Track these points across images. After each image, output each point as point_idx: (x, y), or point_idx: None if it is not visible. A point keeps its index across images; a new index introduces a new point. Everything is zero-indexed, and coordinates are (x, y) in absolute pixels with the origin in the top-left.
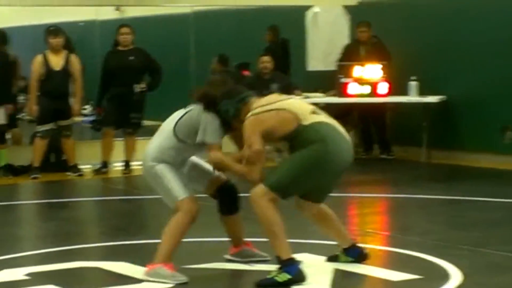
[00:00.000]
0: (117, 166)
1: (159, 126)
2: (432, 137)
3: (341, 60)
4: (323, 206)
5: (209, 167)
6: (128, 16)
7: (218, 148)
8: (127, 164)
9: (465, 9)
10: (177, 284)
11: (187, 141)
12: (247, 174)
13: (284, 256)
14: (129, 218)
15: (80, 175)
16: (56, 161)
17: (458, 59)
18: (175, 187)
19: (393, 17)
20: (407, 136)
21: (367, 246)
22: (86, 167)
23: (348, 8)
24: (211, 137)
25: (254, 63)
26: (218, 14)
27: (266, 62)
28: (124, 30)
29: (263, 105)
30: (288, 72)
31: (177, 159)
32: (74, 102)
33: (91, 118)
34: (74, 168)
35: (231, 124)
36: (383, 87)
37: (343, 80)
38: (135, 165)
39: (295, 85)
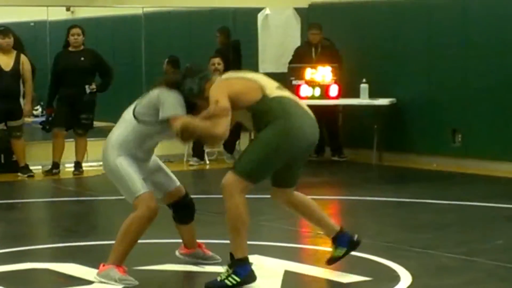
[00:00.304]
0: (68, 167)
1: (110, 127)
2: (383, 139)
3: (292, 62)
4: (300, 194)
5: (173, 177)
6: (79, 16)
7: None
8: (78, 165)
9: (415, 12)
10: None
11: (147, 119)
12: (212, 128)
13: (239, 255)
14: (79, 220)
15: (31, 176)
16: (6, 162)
17: (409, 62)
18: (134, 181)
19: (343, 20)
20: (358, 138)
21: (318, 248)
22: (36, 168)
23: (299, 10)
24: (171, 109)
25: (205, 65)
26: (169, 15)
27: (217, 63)
28: (75, 31)
29: (230, 75)
30: None
31: (141, 147)
32: (24, 102)
33: (41, 119)
34: (25, 169)
35: (196, 104)
36: (334, 90)
37: (295, 82)
38: (86, 166)
39: None
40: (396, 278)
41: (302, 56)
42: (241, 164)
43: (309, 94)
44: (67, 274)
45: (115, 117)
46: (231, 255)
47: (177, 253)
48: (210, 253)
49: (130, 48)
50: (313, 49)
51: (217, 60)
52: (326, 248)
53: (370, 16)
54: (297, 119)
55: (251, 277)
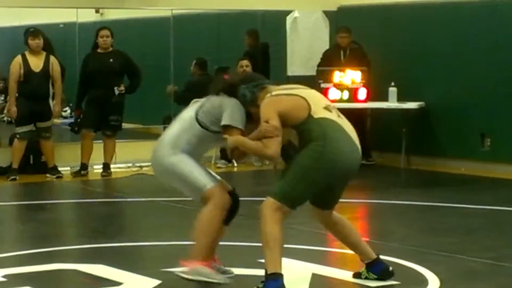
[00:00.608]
0: (97, 168)
1: (138, 129)
2: (411, 143)
3: (321, 65)
4: (339, 216)
5: (214, 174)
6: (109, 18)
7: (237, 133)
8: (106, 167)
9: (445, 16)
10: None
11: (210, 127)
12: (264, 149)
13: (271, 270)
14: (107, 221)
15: (59, 177)
16: (35, 163)
17: (438, 66)
18: (200, 175)
19: (372, 23)
20: (386, 142)
21: (346, 251)
22: (65, 169)
23: (328, 13)
24: (233, 120)
25: (234, 67)
26: (198, 17)
27: (245, 66)
28: (104, 32)
29: (282, 89)
30: (268, 77)
31: (197, 149)
32: (54, 104)
33: (70, 120)
34: (53, 170)
35: (248, 113)
36: (363, 93)
37: (323, 85)
38: (114, 167)
39: None
40: (423, 282)
41: (330, 59)
42: (277, 188)
43: (338, 97)
44: (94, 275)
45: (143, 119)
46: (265, 270)
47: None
48: (224, 268)
49: (159, 50)
50: (341, 52)
51: (245, 62)
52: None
53: (399, 19)
54: (337, 143)
55: None
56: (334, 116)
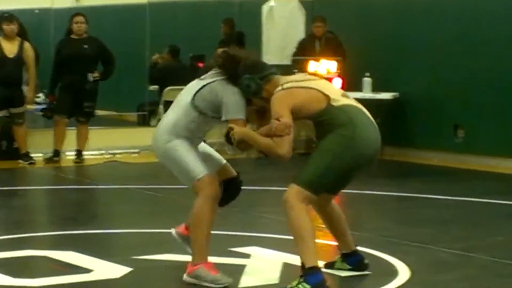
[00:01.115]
0: (69, 155)
1: (112, 115)
2: (385, 134)
3: (296, 54)
4: (334, 204)
5: (220, 156)
6: (85, 5)
7: (242, 124)
8: (79, 153)
9: (420, 8)
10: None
11: (208, 113)
12: (275, 148)
13: (309, 264)
14: (79, 208)
15: (32, 164)
16: (7, 149)
17: (412, 57)
18: (193, 164)
19: (348, 13)
20: None
21: (318, 241)
22: (37, 156)
23: (304, 3)
24: (236, 112)
25: (209, 55)
26: (174, 5)
27: None
28: (78, 18)
29: (293, 81)
30: None
31: (195, 134)
32: (27, 90)
33: (43, 106)
34: (26, 156)
35: (250, 100)
36: (337, 83)
37: None
38: (87, 154)
39: None
40: (394, 272)
41: (305, 49)
42: (303, 175)
43: None
44: (65, 261)
45: (118, 106)
46: (302, 264)
47: (172, 230)
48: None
49: (134, 38)
50: (316, 42)
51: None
52: (325, 241)
53: (374, 10)
54: (362, 128)
55: (322, 285)
56: (354, 102)
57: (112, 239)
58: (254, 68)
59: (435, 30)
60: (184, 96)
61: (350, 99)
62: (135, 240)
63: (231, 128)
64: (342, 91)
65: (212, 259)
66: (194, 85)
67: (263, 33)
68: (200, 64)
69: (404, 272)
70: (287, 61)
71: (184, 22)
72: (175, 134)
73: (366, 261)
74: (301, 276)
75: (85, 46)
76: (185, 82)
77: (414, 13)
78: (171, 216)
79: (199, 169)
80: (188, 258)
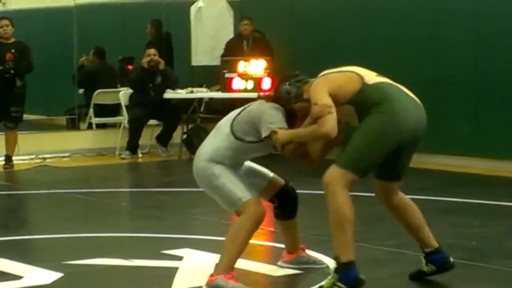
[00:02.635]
0: None
1: (40, 120)
2: None
3: (225, 55)
4: (404, 196)
5: (266, 171)
6: (11, 8)
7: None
8: (8, 159)
9: (348, 6)
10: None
11: (245, 139)
12: (318, 129)
13: (345, 258)
14: (9, 214)
15: None
16: None
17: (342, 55)
18: (237, 188)
19: (276, 12)
20: None
21: (250, 241)
22: None
23: (232, 3)
24: (276, 122)
25: (138, 58)
26: (102, 7)
27: (152, 54)
28: (4, 22)
29: (328, 71)
30: (172, 66)
31: (233, 161)
32: None
33: None
34: None
35: (295, 113)
36: (267, 83)
37: (227, 75)
38: (17, 159)
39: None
40: (326, 271)
41: (233, 49)
42: (345, 156)
43: (242, 87)
44: None
45: (47, 110)
46: (336, 258)
47: (279, 263)
48: (315, 257)
49: (62, 41)
50: (244, 42)
51: (152, 51)
52: (258, 241)
53: (303, 8)
54: (400, 103)
55: (358, 282)
56: (389, 80)
57: (43, 245)
58: (289, 76)
59: (365, 28)
60: (224, 122)
61: (385, 78)
62: (66, 245)
63: (275, 132)
64: (377, 72)
65: (144, 262)
66: (234, 113)
67: (192, 34)
68: (130, 67)
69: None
70: (216, 61)
71: (112, 24)
72: (214, 160)
73: (452, 259)
74: (335, 272)
75: (13, 51)
76: (113, 84)
77: (342, 11)
78: (103, 220)
79: (241, 193)
80: (120, 262)
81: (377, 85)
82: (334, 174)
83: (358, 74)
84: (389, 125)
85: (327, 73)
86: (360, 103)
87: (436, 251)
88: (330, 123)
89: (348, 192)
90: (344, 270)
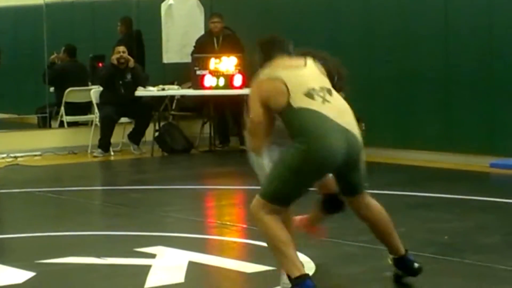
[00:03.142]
0: None
1: (13, 118)
2: None
3: (195, 52)
4: (371, 204)
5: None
6: None
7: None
8: None
9: (319, 3)
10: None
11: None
12: (249, 146)
13: (295, 273)
14: None
15: None
16: None
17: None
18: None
19: (247, 10)
20: None
21: (223, 238)
22: None
23: (203, 1)
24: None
25: (109, 56)
26: (72, 5)
27: (122, 51)
28: None
29: (274, 67)
30: (143, 64)
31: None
32: None
33: None
34: None
35: None
36: (238, 80)
37: (199, 72)
38: None
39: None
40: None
41: (204, 46)
42: (263, 186)
43: (214, 84)
44: None
45: (18, 109)
46: (288, 276)
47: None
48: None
49: (32, 39)
50: (215, 39)
51: (121, 48)
52: (231, 238)
53: (273, 5)
54: (319, 140)
55: None
56: (316, 104)
57: (15, 244)
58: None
59: (333, 24)
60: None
61: (314, 100)
62: (38, 244)
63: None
64: (313, 85)
65: (116, 260)
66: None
67: (163, 32)
68: (100, 64)
69: (308, 267)
70: (187, 58)
71: (82, 22)
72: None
73: (416, 264)
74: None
75: None
76: (84, 82)
77: (313, 9)
78: (75, 219)
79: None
80: (92, 260)
81: (299, 113)
82: (257, 203)
83: (286, 88)
84: (306, 163)
85: (261, 79)
86: (285, 124)
87: (403, 258)
88: (255, 145)
89: (273, 216)
90: (298, 284)
